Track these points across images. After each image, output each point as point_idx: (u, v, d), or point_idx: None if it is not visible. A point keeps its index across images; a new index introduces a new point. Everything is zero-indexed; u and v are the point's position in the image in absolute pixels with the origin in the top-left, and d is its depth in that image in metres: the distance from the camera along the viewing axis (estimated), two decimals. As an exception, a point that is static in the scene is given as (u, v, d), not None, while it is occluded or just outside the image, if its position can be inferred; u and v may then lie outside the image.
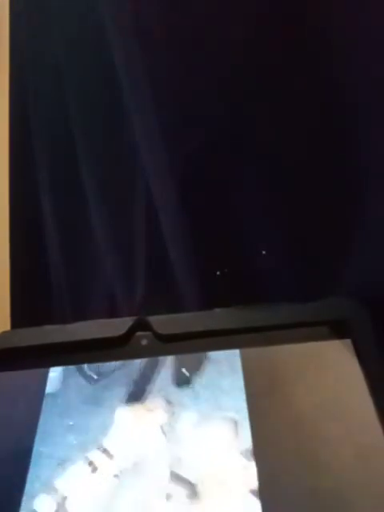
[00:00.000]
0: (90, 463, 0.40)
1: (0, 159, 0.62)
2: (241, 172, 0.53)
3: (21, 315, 0.61)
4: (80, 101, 0.59)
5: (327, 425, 0.39)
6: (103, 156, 0.59)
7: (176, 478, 0.38)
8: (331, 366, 0.43)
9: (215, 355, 0.44)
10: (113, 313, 0.60)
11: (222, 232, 0.54)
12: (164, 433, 0.40)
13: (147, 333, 0.46)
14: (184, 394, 0.43)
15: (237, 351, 0.44)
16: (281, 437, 0.39)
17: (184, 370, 0.44)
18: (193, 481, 0.37)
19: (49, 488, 0.38)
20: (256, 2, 0.49)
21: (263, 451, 0.38)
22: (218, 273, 0.54)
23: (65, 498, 0.38)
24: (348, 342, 0.43)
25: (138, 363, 0.45)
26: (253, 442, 0.38)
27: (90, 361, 0.45)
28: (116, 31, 0.54)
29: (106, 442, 0.41)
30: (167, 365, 0.45)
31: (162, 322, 0.46)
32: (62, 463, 0.40)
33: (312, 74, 0.49)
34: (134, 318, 0.46)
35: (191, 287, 0.55)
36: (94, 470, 0.39)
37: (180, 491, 0.37)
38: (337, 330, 0.44)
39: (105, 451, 0.40)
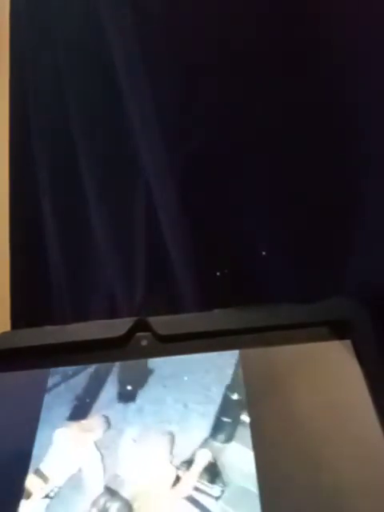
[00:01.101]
0: (25, 488, 0.39)
1: (0, 159, 0.62)
2: (241, 172, 0.53)
3: (21, 316, 0.61)
4: (80, 101, 0.59)
5: (327, 425, 0.39)
6: (103, 156, 0.59)
7: (109, 492, 0.37)
8: (331, 366, 0.43)
9: (160, 369, 0.44)
10: (113, 313, 0.60)
11: (222, 232, 0.54)
12: (99, 450, 0.40)
13: (147, 333, 0.46)
14: (127, 410, 0.42)
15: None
16: (281, 437, 0.38)
17: (129, 386, 0.44)
18: (126, 496, 0.37)
19: None
20: (256, 1, 0.49)
21: (263, 452, 0.38)
22: (217, 273, 0.54)
23: None
24: (348, 342, 0.43)
25: (82, 380, 0.45)
26: (253, 443, 0.38)
27: (90, 361, 0.45)
28: (116, 31, 0.54)
29: (41, 464, 0.40)
30: (112, 382, 0.44)
31: (161, 323, 0.45)
32: None
33: (312, 74, 0.49)
34: (134, 318, 0.46)
35: (191, 288, 0.55)
36: (27, 494, 0.38)
37: (114, 506, 0.37)
38: (337, 330, 0.44)
39: (39, 473, 0.40)
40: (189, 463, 0.38)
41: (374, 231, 0.50)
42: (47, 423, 0.42)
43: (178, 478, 0.37)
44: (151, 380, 0.44)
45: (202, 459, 0.38)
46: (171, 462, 0.38)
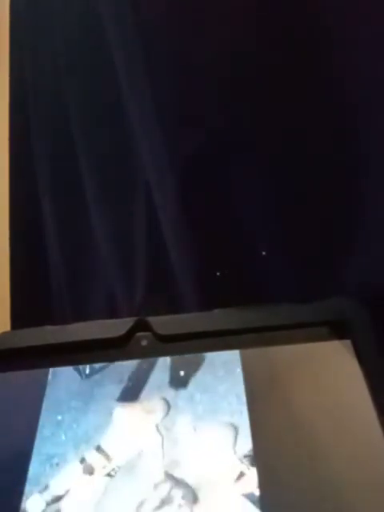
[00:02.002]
0: (85, 462, 0.39)
1: (0, 159, 0.62)
2: (241, 172, 0.53)
3: (21, 316, 0.61)
4: (80, 101, 0.59)
5: (327, 425, 0.39)
6: (103, 156, 0.59)
7: (171, 479, 0.37)
8: (331, 366, 0.43)
9: (212, 358, 0.44)
10: (113, 313, 0.60)
11: (222, 232, 0.54)
12: (160, 433, 0.40)
13: (147, 333, 0.46)
14: (180, 396, 0.42)
15: (237, 352, 0.44)
16: (281, 437, 0.38)
17: (181, 372, 0.44)
18: (189, 483, 0.37)
19: (42, 487, 0.38)
20: (256, 1, 0.49)
21: (263, 451, 0.38)
22: (217, 273, 0.54)
23: (58, 498, 0.38)
24: (348, 342, 0.43)
25: (132, 362, 0.45)
26: (253, 443, 0.38)
27: (90, 361, 0.45)
28: (116, 31, 0.54)
29: (102, 441, 0.40)
30: (163, 365, 0.44)
31: (162, 323, 0.45)
32: (56, 461, 0.40)
33: (312, 74, 0.49)
34: (134, 318, 0.46)
35: (191, 287, 0.55)
36: (89, 469, 0.39)
37: (175, 493, 0.37)
38: (337, 330, 0.44)
39: (100, 450, 0.40)
40: (252, 459, 0.38)
41: (374, 231, 0.50)
42: (96, 402, 0.43)
43: (241, 474, 0.37)
44: (203, 367, 0.44)
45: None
46: (235, 455, 0.38)
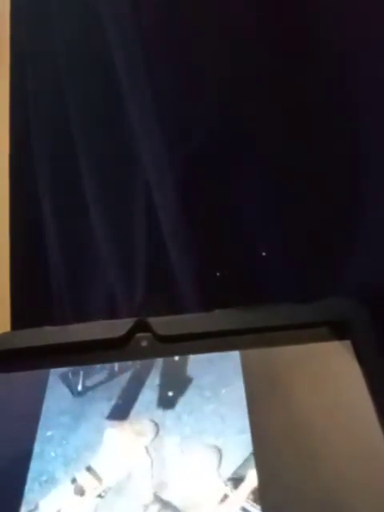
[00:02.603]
0: (76, 483, 0.39)
1: (0, 159, 0.62)
2: (241, 172, 0.53)
3: (21, 316, 0.61)
4: (80, 101, 0.59)
5: (327, 425, 0.39)
6: (103, 156, 0.59)
7: (159, 501, 0.37)
8: (331, 366, 0.43)
9: (199, 379, 0.44)
10: (113, 313, 0.60)
11: (222, 232, 0.54)
12: (150, 456, 0.40)
13: (147, 334, 0.46)
14: (168, 417, 0.42)
15: (237, 353, 0.44)
16: (281, 438, 0.38)
17: (170, 392, 0.44)
18: (176, 505, 0.37)
19: (32, 506, 0.38)
20: (256, 2, 0.49)
21: (263, 452, 0.38)
22: (218, 273, 0.54)
23: None
24: (348, 342, 0.43)
25: (122, 380, 0.45)
26: (253, 443, 0.38)
27: (90, 362, 0.45)
28: (116, 31, 0.54)
29: (93, 462, 0.40)
30: (151, 385, 0.44)
31: (162, 323, 0.46)
32: (45, 479, 0.39)
33: (312, 74, 0.49)
34: (134, 319, 0.46)
35: (191, 288, 0.55)
36: (80, 490, 0.39)
37: None
38: (337, 330, 0.44)
39: (91, 471, 0.40)
40: (236, 481, 0.38)
41: (374, 231, 0.50)
42: (86, 420, 0.43)
43: (225, 496, 0.37)
44: (188, 388, 0.44)
45: (250, 479, 0.38)
46: (219, 477, 0.38)
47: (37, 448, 0.41)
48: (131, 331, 0.46)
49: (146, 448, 0.40)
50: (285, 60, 0.49)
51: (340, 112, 0.49)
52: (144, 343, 0.46)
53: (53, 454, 0.41)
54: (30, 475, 0.39)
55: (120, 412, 0.43)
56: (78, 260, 0.61)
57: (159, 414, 0.42)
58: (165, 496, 0.38)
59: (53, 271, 0.63)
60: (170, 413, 0.42)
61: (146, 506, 0.37)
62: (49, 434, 0.42)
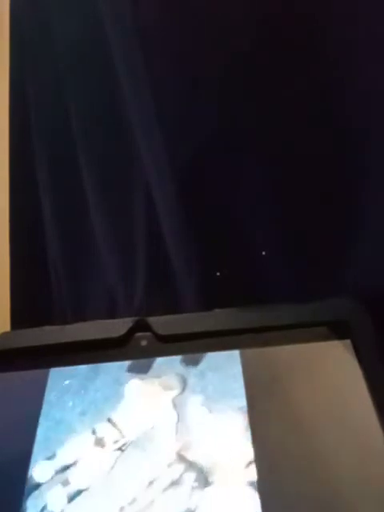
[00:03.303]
0: (96, 434, 0.39)
1: (0, 159, 0.62)
2: (241, 172, 0.53)
3: (21, 316, 0.61)
4: (80, 101, 0.58)
5: (327, 425, 0.39)
6: (103, 156, 0.59)
7: (184, 460, 0.37)
8: (331, 366, 0.43)
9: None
10: (113, 313, 0.60)
11: (222, 232, 0.54)
12: (176, 411, 0.39)
13: (147, 333, 0.46)
14: (192, 374, 0.42)
15: (237, 353, 0.44)
16: (281, 437, 0.39)
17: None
18: (202, 466, 0.36)
19: (50, 454, 0.38)
20: (256, 2, 0.48)
21: (263, 452, 0.38)
22: (218, 273, 0.54)
23: (67, 467, 0.38)
24: (348, 342, 0.43)
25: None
26: (253, 443, 0.38)
27: (90, 361, 0.45)
28: (116, 31, 0.54)
29: (114, 414, 0.40)
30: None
31: (161, 323, 0.46)
32: (63, 428, 0.39)
33: (312, 75, 0.49)
34: (134, 318, 0.46)
35: (191, 288, 0.55)
36: (100, 441, 0.38)
37: (188, 476, 0.36)
38: (337, 330, 0.44)
39: (112, 423, 0.39)
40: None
41: (374, 231, 0.50)
42: (105, 371, 0.43)
43: (251, 461, 0.37)
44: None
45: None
46: (248, 441, 0.38)
47: (52, 397, 0.41)
48: (131, 331, 0.46)
49: (173, 402, 0.40)
50: (285, 60, 0.49)
51: (340, 112, 0.49)
52: (144, 343, 0.46)
53: (70, 404, 0.40)
54: (47, 423, 0.39)
55: (141, 366, 0.43)
56: (78, 260, 0.61)
57: (182, 369, 0.42)
58: (190, 456, 0.37)
59: (53, 271, 0.63)
60: (193, 370, 0.42)
61: (170, 465, 0.37)
62: (66, 382, 0.42)
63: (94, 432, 0.39)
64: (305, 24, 0.48)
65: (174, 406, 0.40)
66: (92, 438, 0.39)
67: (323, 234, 0.52)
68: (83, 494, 0.37)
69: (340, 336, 0.44)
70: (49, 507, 0.37)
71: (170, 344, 0.45)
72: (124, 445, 0.38)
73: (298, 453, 0.38)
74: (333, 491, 0.35)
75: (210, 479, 0.36)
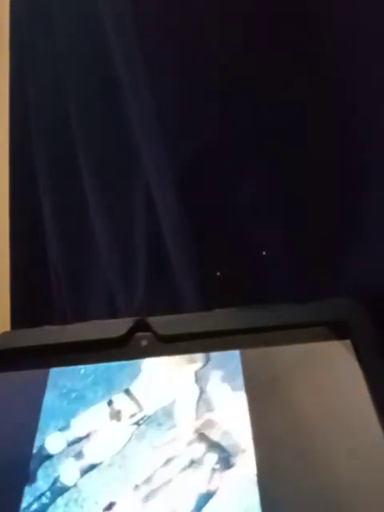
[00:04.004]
0: (112, 406, 0.38)
1: (0, 159, 0.62)
2: (241, 172, 0.53)
3: (21, 316, 0.61)
4: (80, 101, 0.59)
5: (327, 425, 0.39)
6: (103, 156, 0.59)
7: (205, 440, 0.36)
8: (331, 366, 0.43)
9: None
10: (113, 313, 0.60)
11: (222, 232, 0.54)
12: (199, 386, 0.38)
13: (147, 333, 0.46)
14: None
15: (237, 353, 0.44)
16: (281, 437, 0.38)
17: None
18: (225, 447, 0.36)
19: (63, 424, 0.38)
20: (256, 2, 0.48)
21: (263, 452, 0.38)
22: (218, 273, 0.54)
23: (80, 439, 0.37)
24: (348, 342, 0.43)
25: None
26: (253, 443, 0.38)
27: (90, 362, 0.45)
28: (116, 31, 0.54)
29: (132, 385, 0.39)
30: None
31: (162, 323, 0.46)
32: (73, 396, 0.39)
33: (312, 75, 0.49)
34: (134, 318, 0.46)
35: (191, 288, 0.55)
36: (116, 414, 0.38)
37: (210, 457, 0.36)
38: (337, 330, 0.44)
39: (130, 395, 0.39)
40: None
41: (374, 231, 0.50)
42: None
43: None
44: None
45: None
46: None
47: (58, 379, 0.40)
48: (131, 331, 0.46)
49: (196, 375, 0.39)
50: (285, 60, 0.49)
51: (340, 112, 0.49)
52: (144, 343, 0.46)
53: (82, 371, 0.40)
54: (58, 392, 0.39)
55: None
56: (78, 260, 0.61)
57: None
58: (213, 436, 0.36)
59: (53, 271, 0.63)
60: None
61: (190, 444, 0.36)
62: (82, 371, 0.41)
63: (110, 403, 0.38)
64: (305, 24, 0.48)
65: (197, 379, 0.39)
66: (107, 410, 0.38)
67: (323, 233, 0.52)
68: (97, 468, 0.36)
69: (340, 336, 0.44)
70: (61, 479, 0.36)
71: (171, 344, 0.45)
72: (141, 419, 0.37)
73: (298, 453, 0.37)
74: (333, 491, 0.35)
75: (233, 461, 0.35)
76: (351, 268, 0.50)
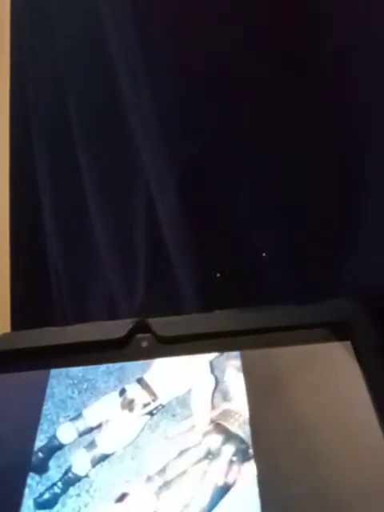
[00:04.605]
0: (125, 395, 0.38)
1: (0, 159, 0.62)
2: (241, 172, 0.53)
3: (21, 317, 0.61)
4: (80, 101, 0.58)
5: (327, 426, 0.39)
6: (103, 156, 0.59)
7: (223, 430, 0.35)
8: (331, 367, 0.43)
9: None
10: (113, 314, 0.60)
11: (222, 233, 0.54)
12: (214, 376, 0.38)
13: (147, 335, 0.46)
14: None
15: (237, 354, 0.44)
16: (281, 438, 0.38)
17: None
18: (243, 438, 0.35)
19: (75, 414, 0.37)
20: (256, 2, 0.48)
21: (263, 452, 0.38)
22: (218, 274, 0.54)
23: (91, 429, 0.37)
24: (348, 343, 0.43)
25: None
26: (253, 444, 0.38)
27: (90, 363, 0.45)
28: (116, 31, 0.54)
29: (146, 374, 0.38)
30: None
31: (162, 324, 0.46)
32: (85, 386, 0.38)
33: (312, 75, 0.49)
34: (134, 319, 0.46)
35: (191, 289, 0.55)
36: (129, 404, 0.37)
37: (228, 448, 0.35)
38: (337, 331, 0.44)
39: (143, 384, 0.38)
40: None
41: (374, 231, 0.50)
42: None
43: None
44: None
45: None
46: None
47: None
48: (131, 332, 0.46)
49: (211, 365, 0.38)
50: (285, 60, 0.49)
51: (340, 112, 0.49)
52: (144, 344, 0.46)
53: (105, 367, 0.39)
54: (69, 382, 0.38)
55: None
56: (78, 260, 0.61)
57: None
58: (231, 426, 0.35)
59: (53, 271, 0.63)
60: None
61: (206, 434, 0.35)
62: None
63: (122, 393, 0.38)
64: (305, 24, 0.48)
65: (212, 369, 0.38)
66: (120, 400, 0.37)
67: (323, 234, 0.52)
68: (109, 458, 0.36)
69: (340, 337, 0.44)
70: (73, 469, 0.36)
71: (171, 345, 0.45)
72: (155, 409, 0.37)
73: (298, 453, 0.38)
74: (333, 491, 0.35)
75: (251, 453, 0.34)
76: (351, 268, 0.50)
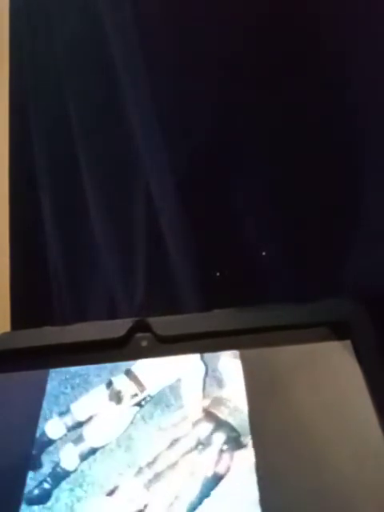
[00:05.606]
0: (112, 387, 0.37)
1: (0, 159, 0.62)
2: (241, 172, 0.53)
3: (21, 316, 0.61)
4: (80, 101, 0.58)
5: (327, 426, 0.39)
6: (103, 156, 0.59)
7: (213, 419, 0.35)
8: (331, 367, 0.43)
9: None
10: (113, 314, 0.60)
11: (222, 232, 0.54)
12: (204, 363, 0.37)
13: (147, 334, 0.46)
14: None
15: (237, 353, 0.44)
16: (281, 438, 0.38)
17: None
18: (234, 426, 0.34)
19: (63, 409, 0.37)
20: (256, 3, 0.48)
21: (263, 452, 0.38)
22: (217, 274, 0.54)
23: (80, 424, 0.37)
24: (348, 342, 0.43)
25: None
26: (253, 443, 0.38)
27: (90, 362, 0.45)
28: (116, 31, 0.54)
29: (134, 365, 0.38)
30: None
31: (161, 324, 0.45)
32: (77, 382, 0.38)
33: (312, 74, 0.49)
34: (134, 319, 0.46)
35: (191, 288, 0.55)
36: (117, 396, 0.37)
37: (218, 436, 0.34)
38: (337, 331, 0.44)
39: (131, 376, 0.38)
40: None
41: (374, 231, 0.50)
42: None
43: None
44: None
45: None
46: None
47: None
48: (131, 331, 0.46)
49: (201, 354, 0.37)
50: (285, 60, 0.49)
51: (339, 112, 0.49)
52: (144, 343, 0.45)
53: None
54: (62, 377, 0.38)
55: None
56: (78, 260, 0.61)
57: None
58: (220, 414, 0.35)
59: (53, 271, 0.63)
60: None
61: (196, 423, 0.35)
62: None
63: (109, 385, 0.37)
64: (305, 24, 0.48)
65: (203, 356, 0.38)
66: (107, 392, 0.37)
67: (323, 234, 0.52)
68: (100, 451, 0.36)
69: (340, 336, 0.44)
70: (62, 464, 0.36)
71: (170, 344, 0.45)
72: (144, 399, 0.36)
73: (298, 453, 0.37)
74: (333, 491, 0.35)
75: (244, 441, 0.34)
76: (351, 268, 0.50)
